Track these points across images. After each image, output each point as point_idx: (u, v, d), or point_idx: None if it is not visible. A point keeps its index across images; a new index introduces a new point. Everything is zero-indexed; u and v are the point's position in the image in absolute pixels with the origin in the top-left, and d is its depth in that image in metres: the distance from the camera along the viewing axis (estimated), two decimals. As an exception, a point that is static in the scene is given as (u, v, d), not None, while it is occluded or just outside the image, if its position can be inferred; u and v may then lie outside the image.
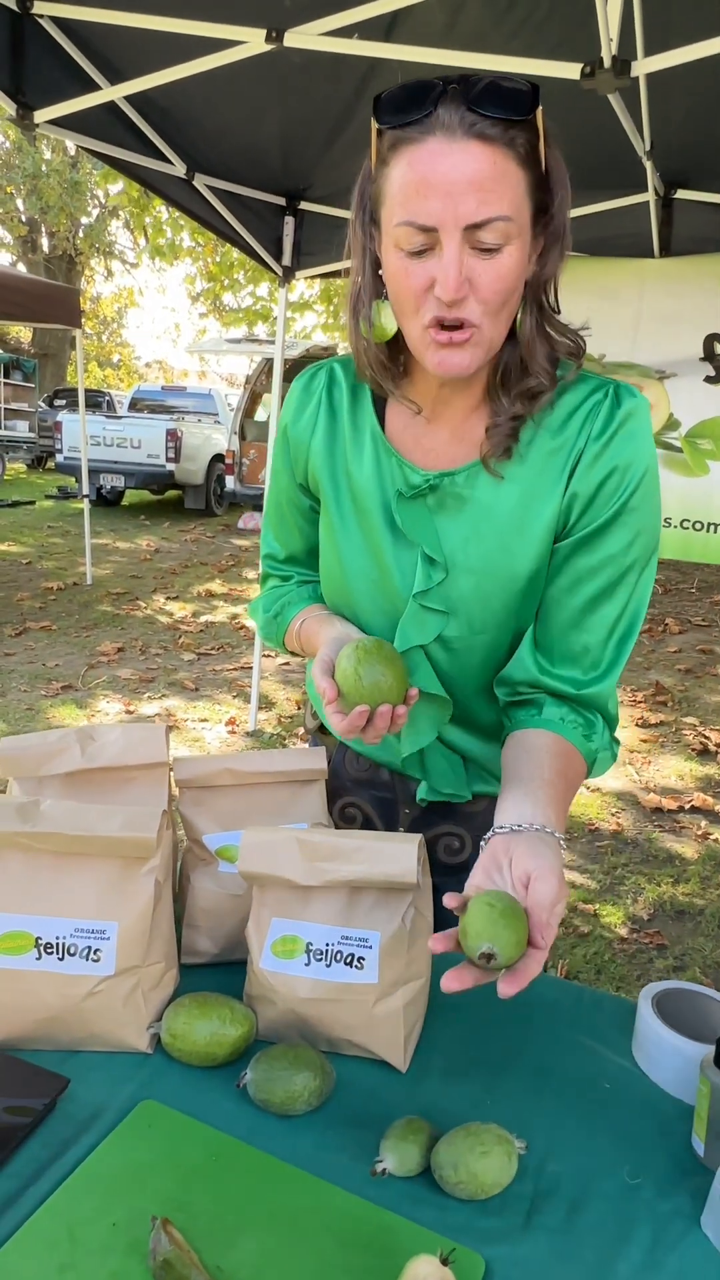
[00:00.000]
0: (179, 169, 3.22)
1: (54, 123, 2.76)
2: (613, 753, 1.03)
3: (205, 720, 4.48)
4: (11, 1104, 0.84)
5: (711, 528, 3.22)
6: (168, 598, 7.06)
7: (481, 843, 0.84)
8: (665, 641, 6.27)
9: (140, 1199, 0.76)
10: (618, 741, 1.04)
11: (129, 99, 2.82)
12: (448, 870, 1.17)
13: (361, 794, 1.21)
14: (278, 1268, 0.71)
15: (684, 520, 3.25)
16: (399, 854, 0.90)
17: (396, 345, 0.96)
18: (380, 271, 0.90)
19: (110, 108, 2.84)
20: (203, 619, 6.48)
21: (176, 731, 4.31)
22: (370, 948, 0.91)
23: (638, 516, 0.95)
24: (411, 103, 0.78)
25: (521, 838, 0.81)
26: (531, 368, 0.91)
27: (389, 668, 0.90)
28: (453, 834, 1.17)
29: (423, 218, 0.79)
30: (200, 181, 3.34)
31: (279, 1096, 0.85)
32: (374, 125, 0.82)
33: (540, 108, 0.80)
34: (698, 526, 3.22)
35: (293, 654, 1.23)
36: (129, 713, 4.50)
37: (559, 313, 0.93)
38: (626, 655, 1.00)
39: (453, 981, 0.74)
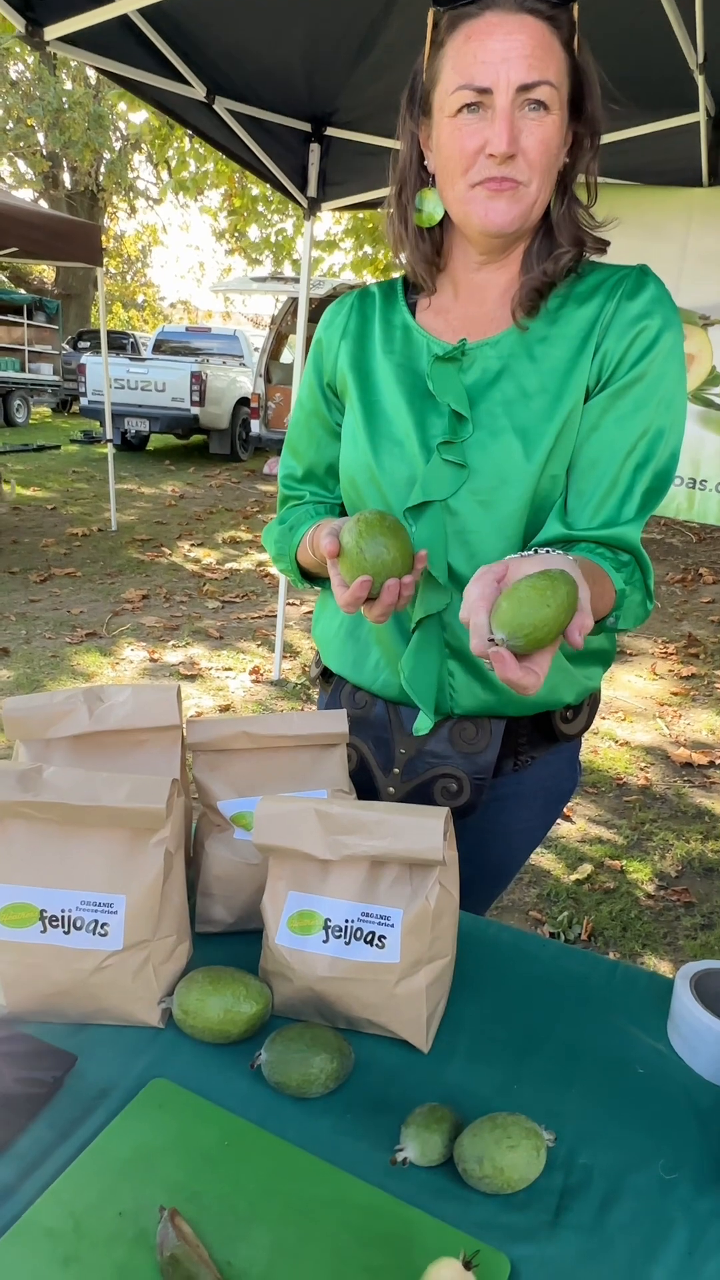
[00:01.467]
0: (198, 91, 3.06)
1: (67, 40, 2.61)
2: (645, 604, 1.02)
3: (229, 669, 4.45)
4: (19, 1078, 0.80)
5: None
6: (193, 544, 7.00)
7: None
8: (699, 592, 6.12)
9: (149, 1186, 0.73)
10: (652, 597, 1.04)
11: (144, 13, 2.66)
12: None
13: (358, 733, 1.18)
14: (291, 1264, 0.68)
15: None
16: (425, 829, 0.84)
17: (434, 237, 1.04)
18: (425, 163, 1.00)
19: (125, 24, 2.68)
20: (228, 566, 6.42)
21: (200, 680, 4.29)
22: (392, 926, 0.85)
23: (662, 374, 0.98)
24: None
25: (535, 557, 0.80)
26: (559, 239, 0.99)
27: (392, 539, 0.88)
28: (450, 775, 1.12)
29: (479, 79, 0.87)
30: (221, 105, 3.17)
31: (295, 1079, 0.81)
32: (431, 17, 0.91)
33: (576, 3, 0.89)
34: None
35: (305, 577, 1.20)
36: (153, 660, 4.48)
37: (591, 205, 1.00)
38: (654, 507, 1.02)
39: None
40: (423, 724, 1.09)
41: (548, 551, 0.83)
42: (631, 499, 0.99)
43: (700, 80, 2.64)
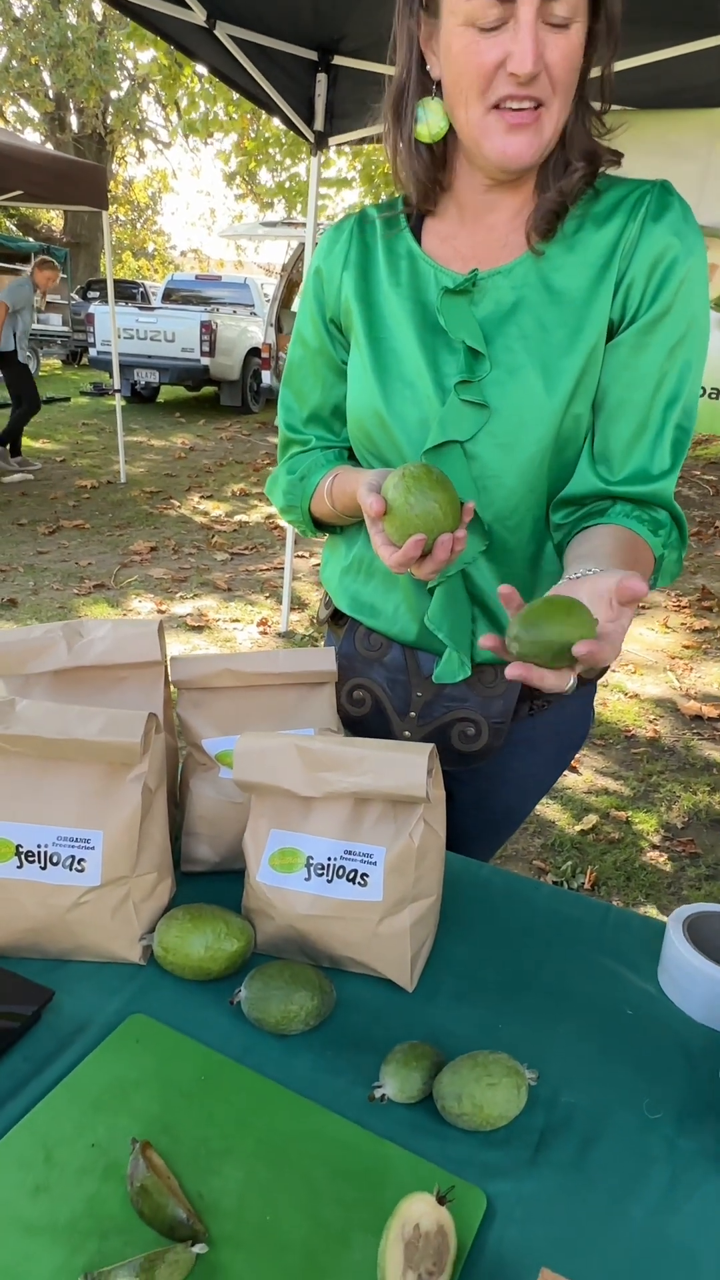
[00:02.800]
0: (198, 15, 2.93)
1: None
2: (681, 561, 1.00)
3: (237, 620, 4.43)
4: (-4, 1013, 0.79)
5: None
6: (202, 497, 6.94)
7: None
8: (714, 545, 6.02)
9: (123, 1118, 0.72)
10: (685, 544, 1.00)
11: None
12: (462, 759, 1.10)
13: (372, 674, 1.13)
14: (263, 1197, 0.67)
15: None
16: (408, 764, 0.81)
17: (435, 157, 0.95)
18: (428, 68, 0.90)
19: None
20: (236, 519, 6.36)
21: (208, 632, 4.27)
22: (375, 864, 0.83)
23: (689, 305, 0.92)
24: None
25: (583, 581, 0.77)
26: (571, 157, 0.90)
27: (441, 492, 0.83)
28: (467, 719, 1.09)
29: None
30: (223, 31, 3.04)
31: (274, 1015, 0.80)
32: None
33: None
34: None
35: (317, 526, 1.16)
36: (161, 611, 4.47)
37: (606, 110, 0.91)
38: (684, 453, 0.97)
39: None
40: (451, 669, 1.05)
41: (589, 571, 0.79)
42: (663, 442, 0.95)
43: (725, -3, 2.50)
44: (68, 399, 11.80)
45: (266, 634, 4.29)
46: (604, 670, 1.16)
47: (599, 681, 3.84)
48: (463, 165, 0.95)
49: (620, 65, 2.97)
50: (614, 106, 2.95)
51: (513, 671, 0.71)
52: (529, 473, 0.96)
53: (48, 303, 15.18)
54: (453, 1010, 0.86)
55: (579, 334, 0.93)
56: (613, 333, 0.94)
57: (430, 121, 0.91)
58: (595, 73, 0.90)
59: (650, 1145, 0.74)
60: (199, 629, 4.29)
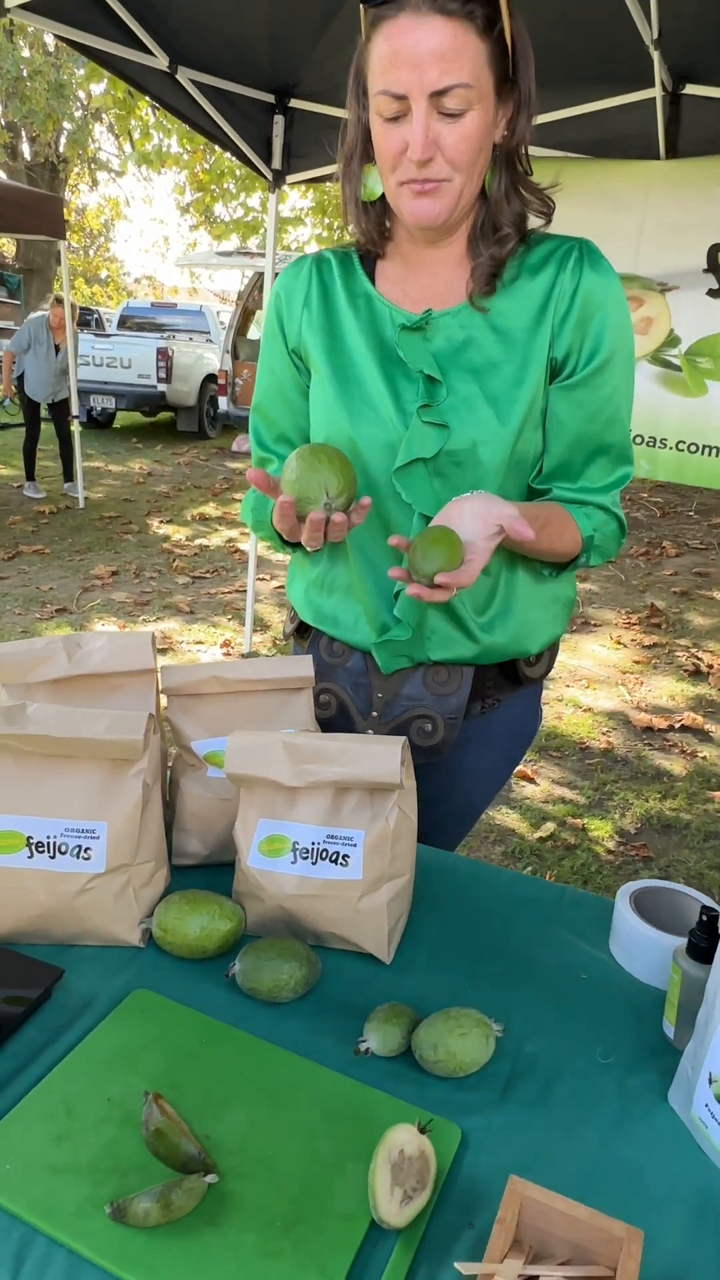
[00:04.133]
0: (161, 61, 3.05)
1: (28, 8, 2.60)
2: (616, 544, 1.16)
3: (201, 643, 4.49)
4: (8, 994, 0.87)
5: (708, 450, 3.16)
6: (161, 521, 6.99)
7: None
8: (662, 564, 6.25)
9: (133, 1077, 0.80)
10: (623, 535, 1.17)
11: (106, -18, 2.65)
12: (422, 752, 1.21)
13: (336, 678, 1.23)
14: (264, 1136, 0.75)
15: (679, 442, 3.18)
16: (384, 755, 0.91)
17: (383, 207, 1.08)
18: (368, 143, 1.03)
19: (86, -8, 2.68)
20: (197, 542, 6.43)
21: (172, 654, 4.33)
22: (355, 846, 0.93)
23: (619, 351, 1.07)
24: None
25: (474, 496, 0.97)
26: (500, 222, 1.04)
27: (329, 465, 0.94)
28: (425, 716, 1.19)
29: (395, 86, 0.91)
30: (184, 75, 3.16)
31: (266, 984, 0.89)
32: (362, 8, 0.93)
33: None
34: (694, 449, 3.16)
35: (285, 543, 1.24)
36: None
37: (530, 174, 1.05)
38: (627, 469, 1.14)
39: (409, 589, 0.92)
40: (399, 633, 1.16)
41: (480, 494, 0.98)
42: (611, 459, 1.13)
43: (656, 56, 2.69)
44: (22, 424, 11.75)
45: (230, 655, 4.36)
46: (549, 669, 1.28)
47: (555, 696, 3.98)
48: (401, 225, 1.08)
49: (559, 114, 3.18)
50: (554, 152, 3.17)
51: (410, 590, 0.91)
52: (490, 489, 1.08)
53: (1, 329, 15.13)
54: (426, 979, 0.96)
55: (525, 369, 1.06)
56: (555, 370, 1.07)
57: (369, 185, 1.05)
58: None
59: (603, 1085, 0.84)
60: (163, 651, 4.34)
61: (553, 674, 4.23)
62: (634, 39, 2.60)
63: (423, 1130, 0.72)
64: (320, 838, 0.94)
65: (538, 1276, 0.61)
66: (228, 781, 1.06)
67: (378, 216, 1.08)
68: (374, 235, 1.09)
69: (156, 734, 0.97)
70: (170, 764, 1.14)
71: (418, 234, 1.05)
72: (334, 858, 0.93)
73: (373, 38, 0.92)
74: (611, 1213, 0.71)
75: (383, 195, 1.05)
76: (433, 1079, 0.83)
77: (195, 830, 1.09)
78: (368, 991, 0.93)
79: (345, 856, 0.93)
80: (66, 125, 17.28)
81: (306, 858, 0.94)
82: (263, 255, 10.08)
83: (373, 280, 1.13)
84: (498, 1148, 0.76)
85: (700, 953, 0.85)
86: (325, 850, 0.93)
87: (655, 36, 2.58)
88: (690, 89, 2.97)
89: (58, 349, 7.28)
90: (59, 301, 7.24)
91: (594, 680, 4.23)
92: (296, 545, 1.27)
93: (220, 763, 1.09)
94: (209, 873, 1.09)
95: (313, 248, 11.65)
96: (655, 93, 2.95)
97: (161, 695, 1.11)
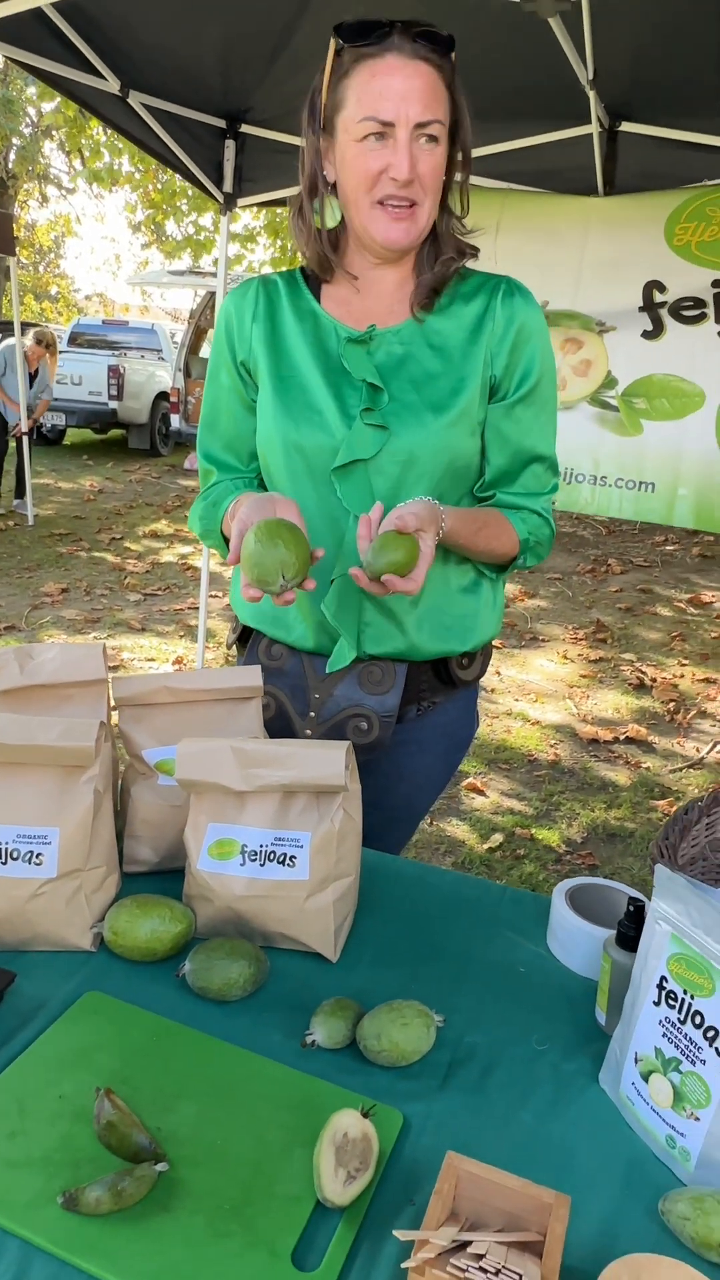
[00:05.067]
0: (112, 85, 3.09)
1: (-23, 31, 2.62)
2: (547, 547, 1.27)
3: (152, 659, 4.48)
4: (-40, 998, 0.88)
5: (645, 487, 3.29)
6: (112, 538, 6.96)
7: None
8: (608, 581, 6.41)
9: (86, 1074, 0.82)
10: (553, 538, 1.28)
11: (56, 6, 2.69)
12: (358, 750, 1.25)
13: (275, 682, 1.28)
14: (214, 1126, 0.78)
15: (619, 479, 3.31)
16: (329, 759, 0.95)
17: (331, 236, 1.17)
18: (325, 174, 1.12)
19: (37, 15, 2.71)
20: (149, 559, 6.41)
21: (124, 670, 4.31)
22: (302, 847, 0.96)
23: (546, 374, 1.20)
24: (372, 29, 1.02)
25: (422, 505, 1.05)
26: (444, 248, 1.16)
27: (285, 544, 0.97)
28: (360, 715, 1.24)
29: (384, 114, 1.03)
30: (136, 99, 3.21)
31: (216, 983, 0.91)
32: (334, 45, 1.05)
33: (454, 53, 1.07)
34: (630, 485, 3.29)
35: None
36: (75, 653, 4.48)
37: (463, 218, 1.18)
38: (554, 481, 1.27)
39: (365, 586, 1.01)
40: (342, 656, 1.21)
41: (430, 500, 1.07)
42: (547, 469, 1.25)
43: (592, 95, 2.82)
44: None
45: (182, 672, 4.36)
46: (482, 672, 1.33)
47: (504, 710, 4.05)
48: (354, 248, 1.18)
49: (504, 146, 3.29)
50: (498, 183, 3.27)
51: (361, 583, 1.00)
52: (431, 490, 1.16)
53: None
54: (371, 976, 0.99)
55: (461, 382, 1.16)
56: (493, 387, 1.19)
57: (326, 213, 1.15)
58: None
59: (538, 1070, 0.88)
60: (114, 668, 4.32)
61: (502, 687, 4.32)
62: (573, 78, 2.72)
63: (366, 1115, 0.76)
64: (268, 840, 0.97)
65: (471, 1242, 0.65)
66: (178, 789, 1.09)
67: (330, 243, 1.17)
68: (324, 261, 1.18)
69: (108, 742, 0.99)
70: (121, 773, 1.17)
71: (378, 254, 1.14)
72: (281, 859, 0.96)
73: (352, 72, 1.04)
74: (544, 1185, 0.75)
75: (340, 222, 1.16)
76: (377, 1069, 0.86)
77: (146, 837, 1.11)
78: (314, 988, 0.97)
79: (292, 858, 0.96)
80: (15, 141, 17.17)
81: (255, 860, 0.97)
82: (214, 274, 10.13)
83: (318, 300, 1.22)
84: (438, 1131, 0.80)
85: (628, 941, 0.90)
86: (273, 852, 0.97)
87: (591, 76, 2.70)
88: (626, 126, 3.10)
89: (33, 377, 7.36)
90: (39, 341, 7.34)
91: (542, 694, 4.32)
92: None
93: (171, 771, 1.11)
94: (160, 880, 1.12)
95: (266, 270, 11.74)
96: (593, 129, 3.08)
97: (113, 705, 1.13)
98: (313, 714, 1.25)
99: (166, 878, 1.12)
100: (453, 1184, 0.69)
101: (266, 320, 1.22)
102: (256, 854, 0.97)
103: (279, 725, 1.27)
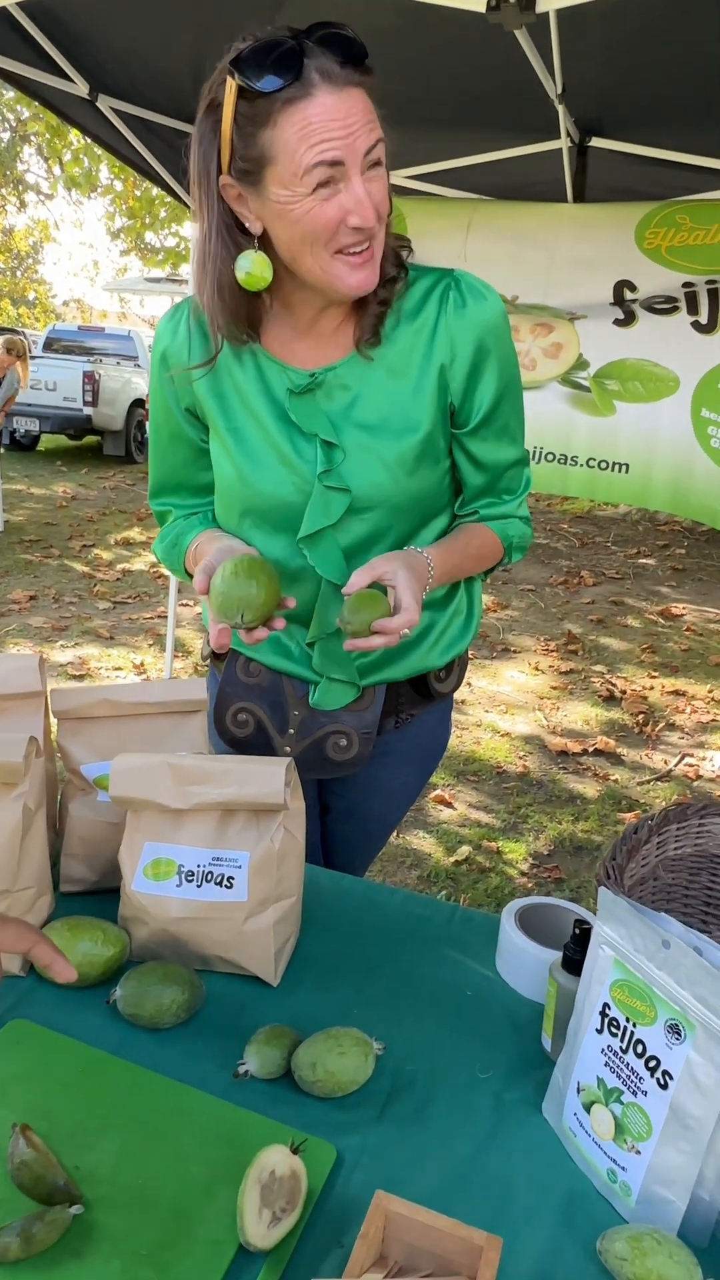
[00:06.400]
0: (81, 88, 3.06)
1: (-59, 30, 2.58)
2: (525, 544, 1.25)
3: (120, 668, 4.43)
4: None
5: (618, 467, 3.28)
6: (83, 546, 6.88)
7: None
8: (580, 593, 6.43)
9: (3, 1110, 0.78)
10: (530, 530, 1.25)
11: (22, 7, 2.66)
12: (338, 767, 1.23)
13: (253, 699, 1.24)
14: (136, 1164, 0.74)
15: (590, 459, 3.29)
16: (268, 776, 0.92)
17: (250, 297, 1.03)
18: (246, 224, 0.98)
19: (3, 16, 2.67)
20: (120, 567, 6.35)
21: (90, 679, 4.25)
22: (240, 867, 0.93)
23: (514, 373, 1.13)
24: (284, 65, 0.88)
25: (396, 554, 1.04)
26: (385, 270, 1.04)
27: (254, 583, 0.95)
28: (340, 732, 1.21)
29: (332, 154, 0.90)
30: (105, 103, 3.18)
31: (148, 1010, 0.88)
32: (234, 88, 0.90)
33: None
34: (604, 466, 3.27)
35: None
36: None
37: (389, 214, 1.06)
38: (526, 475, 1.23)
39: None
40: (334, 698, 1.19)
41: (411, 549, 1.07)
42: (519, 478, 1.21)
43: (561, 110, 2.83)
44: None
45: (150, 682, 4.31)
46: (458, 684, 1.32)
47: (474, 721, 4.04)
48: (293, 292, 1.05)
49: (473, 159, 3.30)
50: (468, 194, 3.27)
51: (347, 644, 0.97)
52: (399, 527, 1.13)
53: None
54: (313, 1000, 0.96)
55: (417, 416, 1.08)
56: (454, 411, 1.11)
57: (254, 272, 0.99)
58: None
59: (479, 1099, 0.85)
60: (80, 677, 4.26)
61: (472, 699, 4.31)
62: (542, 93, 2.73)
63: (295, 1150, 0.73)
64: (206, 860, 0.94)
65: (396, 1289, 0.62)
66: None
67: (247, 303, 1.04)
68: (237, 325, 1.05)
69: (41, 757, 0.96)
70: (61, 789, 1.13)
71: (338, 301, 1.04)
72: (219, 880, 0.93)
73: (280, 123, 0.89)
74: (480, 1223, 0.72)
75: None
76: (312, 1099, 0.83)
77: (83, 855, 1.07)
78: (252, 1014, 0.93)
79: (230, 879, 0.93)
80: (-6, 146, 17.07)
81: (191, 880, 0.94)
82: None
83: (256, 334, 1.10)
84: (371, 1165, 0.77)
85: (573, 965, 0.87)
86: (211, 873, 0.93)
87: (560, 91, 2.71)
88: (596, 142, 3.12)
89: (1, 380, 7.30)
90: (9, 350, 7.28)
91: (512, 705, 4.31)
92: None
93: (109, 786, 1.07)
94: (98, 900, 1.08)
95: (242, 277, 11.69)
96: (563, 144, 3.09)
97: (52, 718, 1.10)
98: (292, 731, 1.22)
99: (106, 897, 1.08)
100: (380, 1225, 0.66)
101: (204, 359, 1.10)
102: (194, 874, 0.94)
103: (258, 742, 1.24)
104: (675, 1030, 0.71)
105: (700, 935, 0.73)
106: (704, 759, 3.83)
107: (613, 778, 3.64)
